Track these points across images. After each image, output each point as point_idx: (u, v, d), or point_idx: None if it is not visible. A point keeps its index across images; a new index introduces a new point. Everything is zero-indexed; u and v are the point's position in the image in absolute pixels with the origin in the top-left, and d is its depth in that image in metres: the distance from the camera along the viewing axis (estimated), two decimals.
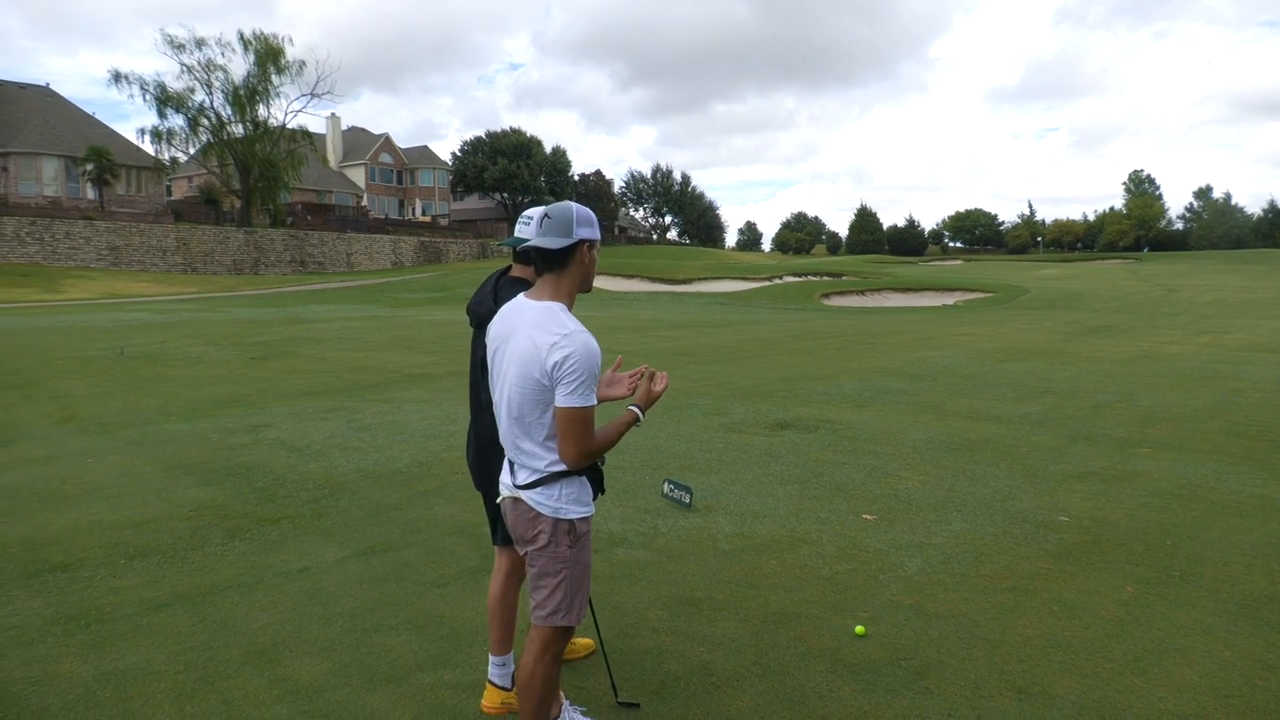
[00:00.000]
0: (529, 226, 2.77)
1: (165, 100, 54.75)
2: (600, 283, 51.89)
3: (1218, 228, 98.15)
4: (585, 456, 2.53)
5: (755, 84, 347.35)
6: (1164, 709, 3.20)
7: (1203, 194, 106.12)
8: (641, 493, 6.08)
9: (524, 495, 2.60)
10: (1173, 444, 7.92)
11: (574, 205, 2.61)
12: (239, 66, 69.78)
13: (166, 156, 56.97)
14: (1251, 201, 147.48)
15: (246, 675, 3.41)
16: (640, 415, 2.71)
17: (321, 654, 3.59)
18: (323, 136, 78.27)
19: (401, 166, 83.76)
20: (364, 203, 76.82)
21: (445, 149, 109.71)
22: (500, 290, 3.12)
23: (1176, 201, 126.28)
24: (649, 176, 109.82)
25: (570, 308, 2.60)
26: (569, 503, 2.58)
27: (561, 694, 3.03)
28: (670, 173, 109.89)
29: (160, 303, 33.96)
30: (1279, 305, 33.68)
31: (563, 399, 2.46)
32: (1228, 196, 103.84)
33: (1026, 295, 40.06)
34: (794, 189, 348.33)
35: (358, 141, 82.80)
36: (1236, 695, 3.31)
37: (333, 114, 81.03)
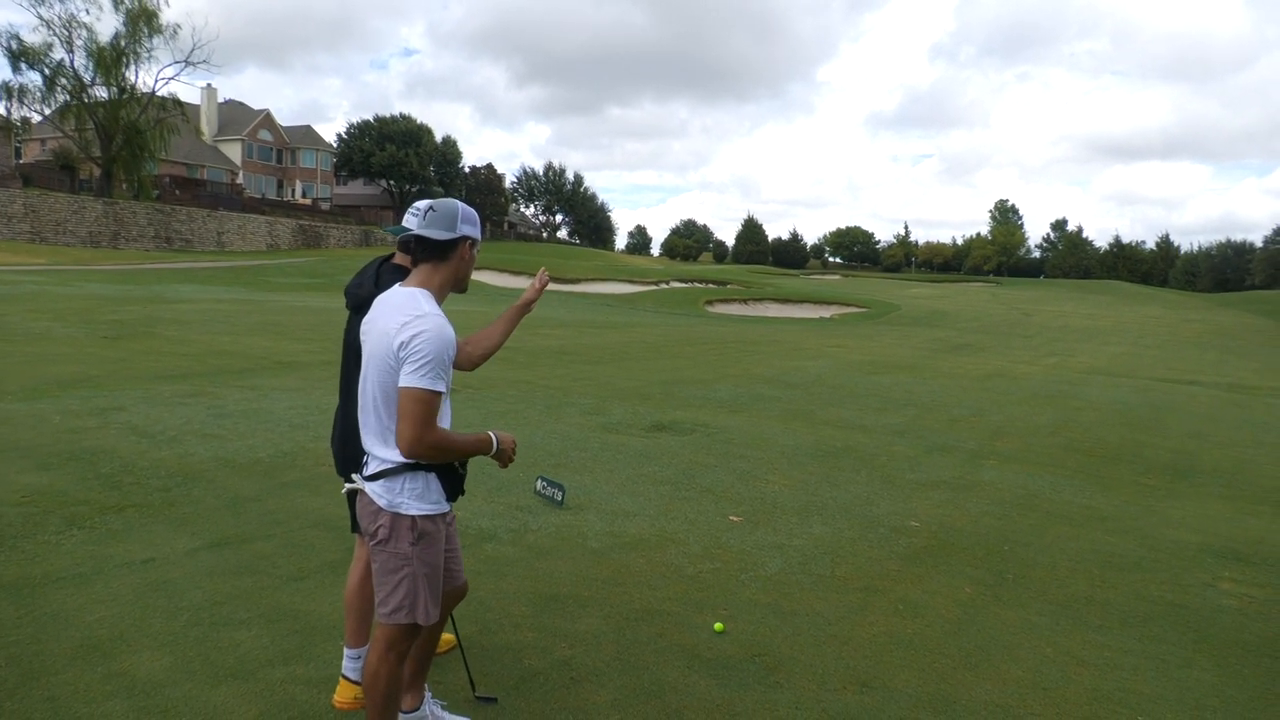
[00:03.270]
0: (416, 218, 2.77)
1: (20, 55, 50.42)
2: (487, 278, 51.18)
3: (1070, 258, 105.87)
4: (421, 445, 2.42)
5: (651, 91, 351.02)
6: (990, 701, 3.44)
7: (1059, 226, 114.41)
8: (514, 490, 6.06)
9: (367, 487, 2.57)
10: (1017, 456, 8.50)
11: (459, 203, 2.63)
12: (107, 25, 64.79)
13: (17, 116, 52.48)
14: (1099, 235, 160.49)
15: (77, 670, 3.21)
16: (495, 443, 2.62)
17: (163, 648, 3.42)
18: (196, 108, 73.94)
19: (282, 145, 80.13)
20: (239, 180, 73.01)
21: (331, 131, 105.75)
22: (382, 276, 3.12)
23: (1035, 231, 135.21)
24: (541, 174, 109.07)
25: (439, 301, 2.58)
26: (410, 498, 2.51)
27: (426, 687, 3.00)
28: (563, 171, 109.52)
29: (1, 272, 31.30)
30: (1119, 333, 36.61)
31: (405, 378, 2.40)
32: (1079, 230, 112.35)
33: (897, 312, 42.04)
34: (684, 196, 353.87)
35: (235, 116, 78.64)
36: (1054, 689, 3.60)
37: (209, 85, 76.44)
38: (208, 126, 74.96)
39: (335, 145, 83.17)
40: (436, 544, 2.58)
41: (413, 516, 2.51)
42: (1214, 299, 66.88)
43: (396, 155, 79.36)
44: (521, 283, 49.62)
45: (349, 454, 3.10)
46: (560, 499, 5.74)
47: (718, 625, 3.95)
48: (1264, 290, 74.24)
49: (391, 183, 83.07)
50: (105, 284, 27.97)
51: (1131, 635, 4.24)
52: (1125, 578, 5.08)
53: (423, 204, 2.74)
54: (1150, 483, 7.80)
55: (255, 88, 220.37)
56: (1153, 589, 4.93)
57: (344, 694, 3.10)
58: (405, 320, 2.43)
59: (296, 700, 3.10)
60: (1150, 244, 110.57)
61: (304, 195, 79.03)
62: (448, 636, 3.58)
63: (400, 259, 3.18)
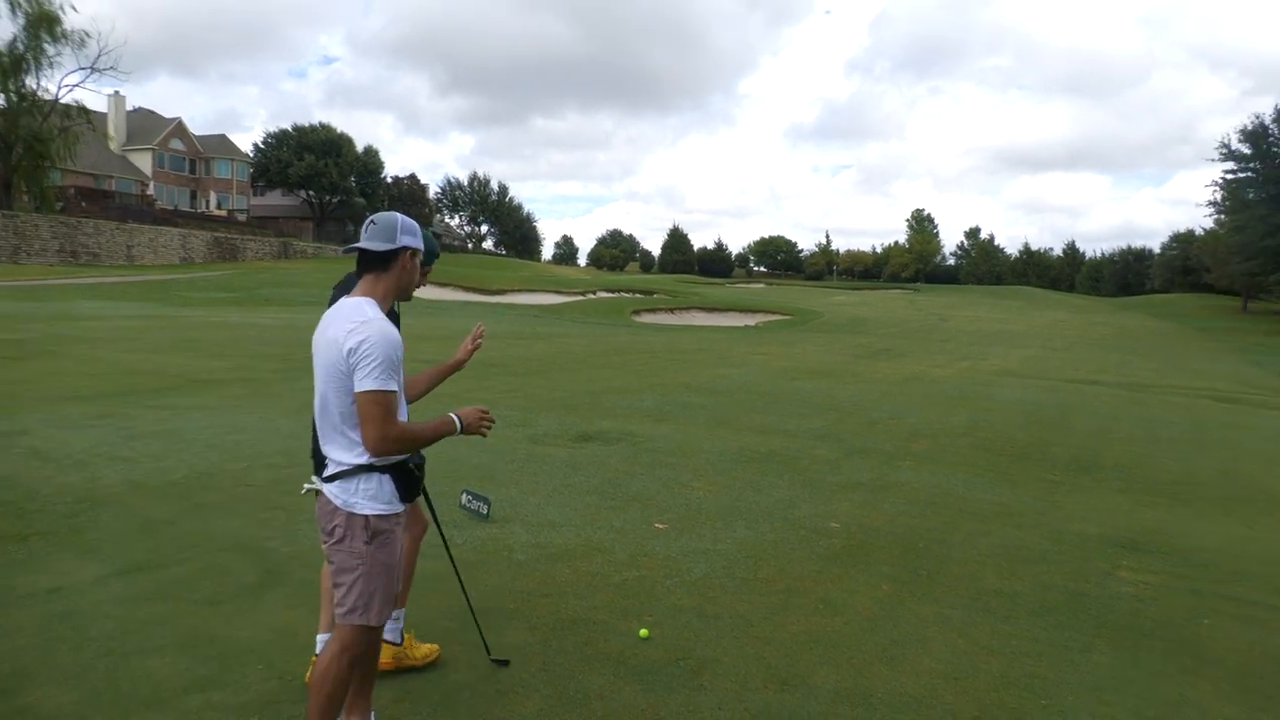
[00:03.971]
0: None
1: None
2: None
3: (983, 265, 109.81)
4: (387, 442, 2.56)
5: (575, 102, 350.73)
6: (905, 693, 3.58)
7: (972, 234, 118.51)
8: (439, 504, 5.96)
9: (324, 488, 2.66)
10: (931, 457, 8.81)
11: (399, 215, 2.76)
12: (4, 29, 61.71)
13: None
14: (1009, 243, 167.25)
15: None
16: (458, 422, 2.80)
17: (70, 681, 3.30)
18: (104, 116, 71.00)
19: (196, 155, 77.52)
20: (150, 191, 70.27)
21: (248, 141, 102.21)
22: (349, 284, 3.22)
23: (950, 239, 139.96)
24: (466, 184, 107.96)
25: (384, 309, 2.70)
26: (364, 498, 2.61)
27: (373, 711, 2.98)
28: (488, 182, 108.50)
29: None
30: (1029, 336, 38.11)
31: (359, 382, 2.53)
32: (991, 238, 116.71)
33: (820, 319, 42.97)
34: (610, 206, 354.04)
35: (146, 124, 75.72)
36: (964, 678, 3.76)
37: (116, 92, 73.31)
38: (116, 135, 71.98)
39: (252, 155, 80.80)
40: (391, 544, 2.67)
41: (366, 516, 2.61)
42: (1117, 303, 70.25)
43: (316, 165, 77.43)
44: (447, 295, 49.00)
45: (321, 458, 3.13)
46: (485, 512, 5.72)
47: (643, 631, 4.01)
48: (1162, 294, 78.31)
49: (311, 193, 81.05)
50: (5, 301, 26.58)
51: (1037, 624, 4.45)
52: (1031, 570, 5.33)
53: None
54: (1055, 479, 8.17)
55: (166, 96, 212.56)
56: (1057, 579, 5.18)
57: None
58: (351, 328, 2.56)
59: None
60: (1058, 251, 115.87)
61: (219, 206, 76.58)
62: (432, 647, 3.66)
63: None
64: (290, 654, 3.59)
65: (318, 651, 3.27)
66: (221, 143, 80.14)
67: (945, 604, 4.66)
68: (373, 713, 2.98)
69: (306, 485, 2.83)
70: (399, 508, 2.68)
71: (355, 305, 2.65)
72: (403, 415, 2.72)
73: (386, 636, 3.36)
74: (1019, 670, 3.88)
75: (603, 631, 4.03)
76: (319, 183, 78.59)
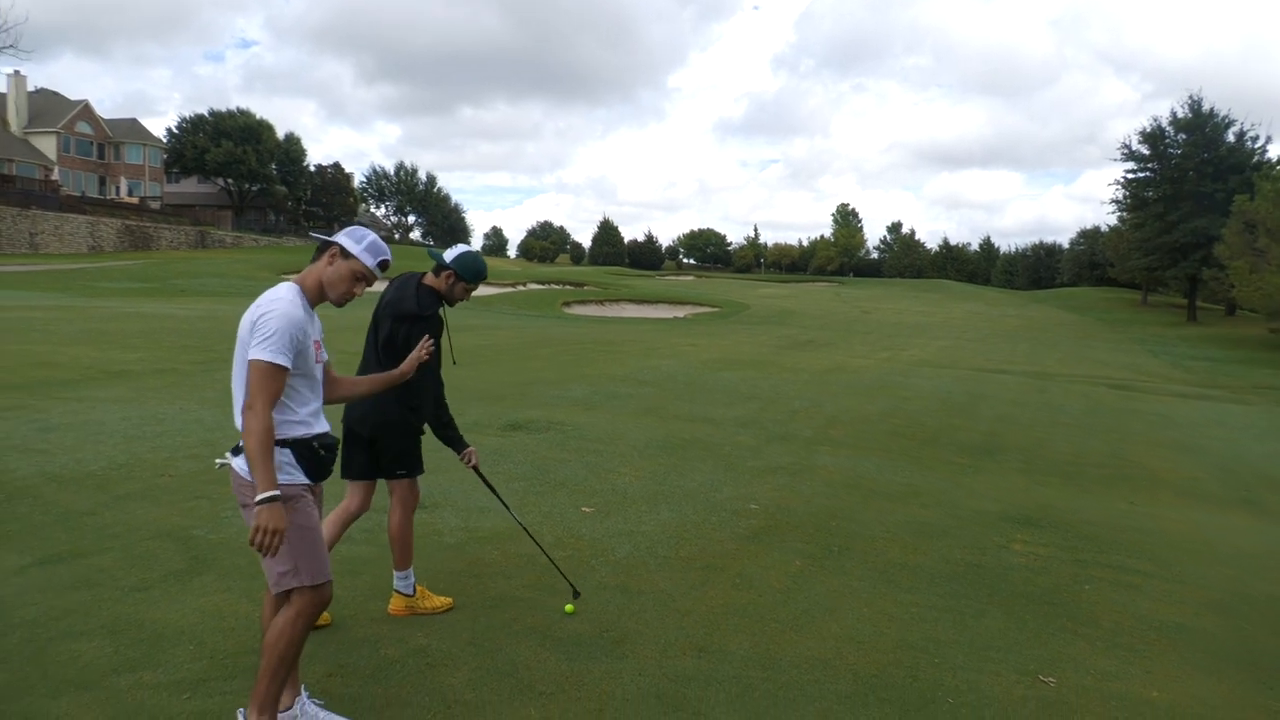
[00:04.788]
0: (448, 251, 3.97)
1: None
2: None
3: (905, 259, 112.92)
4: (248, 414, 2.55)
5: (504, 93, 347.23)
6: (812, 656, 3.86)
7: (894, 228, 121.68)
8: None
9: (233, 462, 2.76)
10: (848, 443, 9.21)
11: (362, 227, 2.95)
12: None
13: None
14: (930, 237, 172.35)
15: None
16: (272, 497, 2.53)
17: None
18: (3, 96, 67.43)
19: (104, 139, 74.13)
20: (55, 176, 66.95)
21: (161, 126, 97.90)
22: (421, 292, 3.94)
23: (874, 233, 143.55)
24: (393, 174, 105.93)
25: (311, 301, 2.84)
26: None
27: (302, 685, 3.04)
28: (415, 171, 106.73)
29: None
30: (946, 328, 39.51)
31: (252, 350, 2.60)
32: (913, 232, 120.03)
33: (747, 311, 43.68)
34: (540, 198, 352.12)
35: (49, 106, 72.02)
36: (867, 642, 4.06)
37: (16, 71, 69.51)
38: (16, 117, 68.38)
39: (165, 140, 77.75)
40: (302, 505, 2.73)
41: (279, 483, 2.64)
42: (1028, 296, 73.15)
43: (234, 152, 74.99)
44: (374, 287, 48.26)
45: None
46: None
47: (568, 607, 4.19)
48: (1070, 287, 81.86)
49: (229, 181, 78.52)
50: None
51: (936, 593, 4.80)
52: (933, 544, 5.70)
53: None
54: (961, 461, 8.66)
55: (72, 77, 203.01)
56: (956, 553, 5.56)
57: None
58: (260, 304, 2.68)
59: (146, 705, 3.11)
60: (975, 245, 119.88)
61: (130, 194, 73.43)
62: (445, 600, 4.13)
63: (430, 279, 3.96)
64: (221, 634, 3.67)
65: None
66: (133, 127, 76.84)
67: (852, 576, 4.97)
68: (302, 685, 3.08)
69: (219, 460, 2.93)
70: (301, 479, 2.74)
71: (277, 287, 2.77)
72: (313, 403, 2.82)
73: (398, 587, 3.95)
74: (917, 634, 4.19)
75: (529, 608, 4.20)
76: (237, 170, 76.17)
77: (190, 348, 14.72)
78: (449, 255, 3.97)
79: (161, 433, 7.62)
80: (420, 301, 3.87)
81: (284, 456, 2.72)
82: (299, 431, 2.77)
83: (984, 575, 5.17)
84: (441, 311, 3.98)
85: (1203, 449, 11.04)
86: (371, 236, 2.92)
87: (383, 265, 2.94)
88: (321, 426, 2.87)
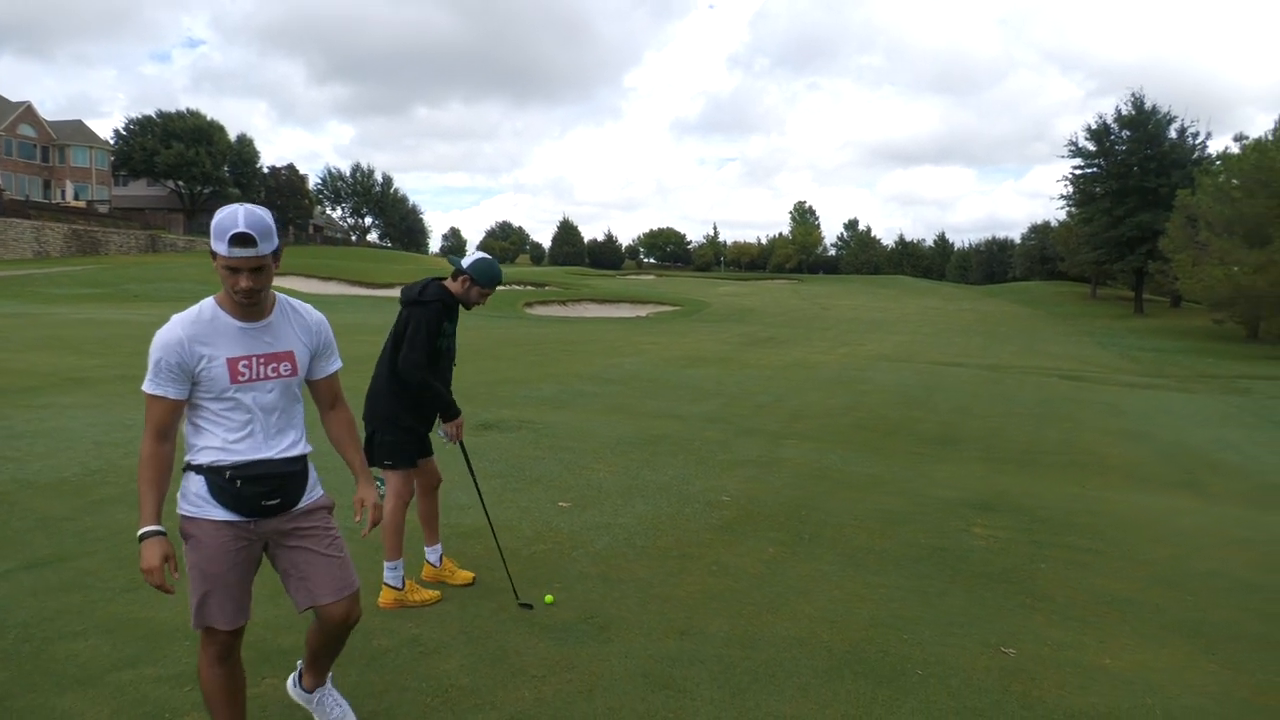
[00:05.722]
0: (465, 258, 4.20)
1: None
2: (294, 284, 48.68)
3: (862, 255, 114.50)
4: (144, 448, 2.47)
5: (460, 93, 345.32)
6: (788, 635, 4.05)
7: (851, 225, 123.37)
8: (343, 490, 6.13)
9: None
10: (812, 435, 9.47)
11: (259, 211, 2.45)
12: None
13: None
14: (886, 234, 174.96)
15: None
16: (145, 538, 2.40)
17: None
18: None
19: (48, 142, 72.18)
20: None
21: (108, 127, 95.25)
22: (428, 285, 4.23)
23: (831, 231, 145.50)
24: (348, 175, 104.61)
25: (229, 310, 2.53)
26: (180, 496, 2.55)
27: (330, 677, 3.04)
28: (371, 173, 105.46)
29: None
30: (903, 323, 40.23)
31: None
32: (869, 229, 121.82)
33: (708, 309, 44.04)
34: (498, 198, 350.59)
35: None
36: (840, 621, 4.27)
37: None
38: None
39: (113, 142, 75.96)
40: (201, 549, 2.50)
41: (180, 514, 2.54)
42: (982, 290, 74.72)
43: (185, 154, 73.49)
44: (331, 289, 47.74)
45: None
46: (383, 494, 5.87)
47: (548, 597, 4.34)
48: (1023, 281, 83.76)
49: (180, 184, 76.96)
50: None
51: (902, 575, 5.03)
52: (898, 530, 5.95)
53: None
54: (921, 451, 8.96)
55: (12, 78, 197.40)
56: (920, 537, 5.81)
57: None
58: None
59: (149, 697, 3.20)
60: (930, 241, 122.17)
61: (77, 197, 71.62)
62: (466, 574, 4.53)
63: (448, 283, 4.23)
64: None
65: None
66: (78, 129, 74.95)
67: (823, 561, 5.19)
68: (330, 676, 3.03)
69: None
70: (208, 513, 2.50)
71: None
72: (246, 429, 2.54)
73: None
74: (886, 612, 4.41)
75: (515, 598, 4.34)
76: (189, 172, 74.71)
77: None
78: (465, 261, 4.21)
79: (132, 438, 7.59)
80: (423, 290, 4.15)
81: (193, 485, 2.52)
82: (209, 458, 2.51)
83: (946, 557, 5.42)
84: (449, 314, 4.23)
85: (1149, 436, 11.51)
86: (222, 215, 2.39)
87: (237, 240, 2.35)
88: (254, 454, 2.53)
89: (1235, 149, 41.46)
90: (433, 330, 4.11)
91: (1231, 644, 4.29)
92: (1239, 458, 10.17)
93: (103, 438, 7.60)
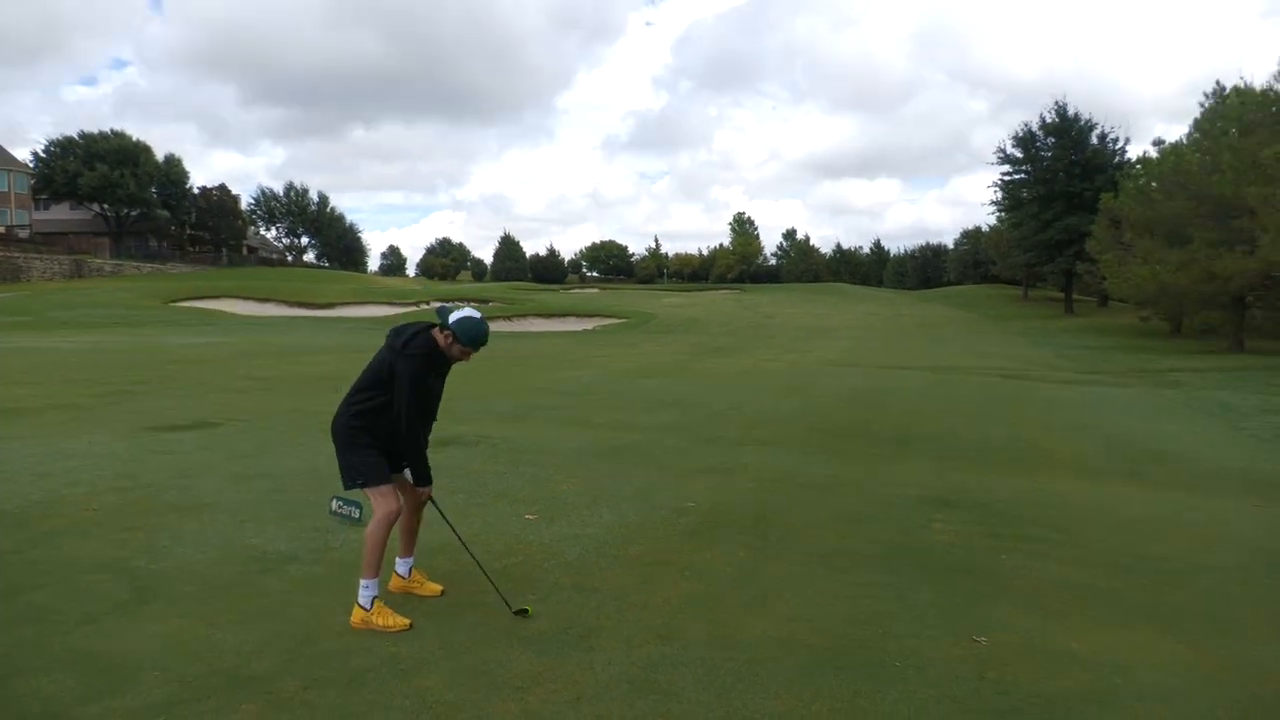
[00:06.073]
0: (453, 313, 4.17)
1: None
2: (228, 306, 47.48)
3: (801, 264, 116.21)
4: None
5: (394, 114, 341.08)
6: (768, 635, 4.08)
7: (789, 235, 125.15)
8: (307, 513, 6.03)
9: None
10: (771, 441, 9.56)
11: None
12: None
13: None
14: (823, 243, 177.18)
15: None
16: None
17: None
18: None
19: None
20: None
21: (28, 152, 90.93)
22: (417, 335, 4.24)
23: (770, 241, 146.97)
24: (282, 195, 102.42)
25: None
26: None
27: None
28: (306, 192, 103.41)
29: None
30: (846, 329, 40.94)
31: None
32: (807, 238, 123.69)
33: (655, 320, 44.19)
34: (437, 215, 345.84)
35: None
36: (816, 619, 4.31)
37: None
38: None
39: (32, 165, 73.23)
40: None
41: None
42: (919, 295, 76.45)
43: (110, 176, 71.12)
44: (269, 310, 46.66)
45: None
46: (358, 516, 5.74)
47: (527, 609, 4.29)
48: (957, 285, 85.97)
49: (106, 206, 74.52)
50: None
51: (872, 572, 5.11)
52: (863, 529, 6.04)
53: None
54: (877, 452, 9.11)
55: None
56: (884, 535, 5.91)
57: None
58: None
59: None
60: (866, 249, 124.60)
61: None
62: (434, 586, 4.53)
63: (436, 334, 4.18)
64: (185, 658, 3.63)
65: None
66: None
67: (794, 563, 5.24)
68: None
69: None
70: None
71: None
72: None
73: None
74: (860, 609, 4.47)
75: (492, 612, 4.28)
76: (114, 195, 72.40)
77: (84, 380, 14.03)
78: (452, 317, 4.13)
79: (74, 468, 7.31)
80: (407, 343, 4.14)
81: None
82: None
83: (911, 553, 5.52)
84: (434, 366, 4.27)
85: (1091, 429, 11.89)
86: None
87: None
88: None
89: (1154, 153, 43.15)
90: (415, 384, 4.10)
91: (1190, 623, 4.46)
92: (1178, 447, 10.57)
93: (41, 468, 7.30)
